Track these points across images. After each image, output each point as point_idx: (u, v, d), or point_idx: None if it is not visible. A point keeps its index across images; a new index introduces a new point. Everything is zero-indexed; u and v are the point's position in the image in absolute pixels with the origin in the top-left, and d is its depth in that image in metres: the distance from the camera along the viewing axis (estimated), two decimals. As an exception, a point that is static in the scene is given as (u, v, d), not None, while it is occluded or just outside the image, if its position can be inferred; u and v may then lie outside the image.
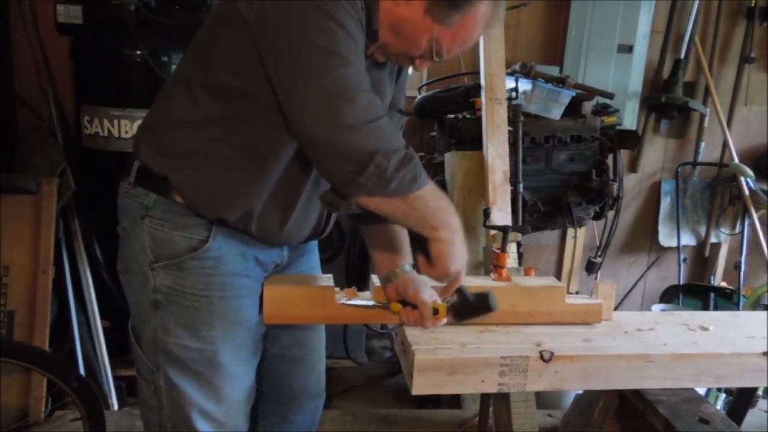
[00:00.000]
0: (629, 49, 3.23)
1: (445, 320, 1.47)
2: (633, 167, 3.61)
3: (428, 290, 1.45)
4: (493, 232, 2.41)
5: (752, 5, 3.39)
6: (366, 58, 1.33)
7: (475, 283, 1.64)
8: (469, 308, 1.47)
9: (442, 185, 2.75)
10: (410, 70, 1.50)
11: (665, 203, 3.68)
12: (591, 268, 3.15)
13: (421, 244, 1.32)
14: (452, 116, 2.82)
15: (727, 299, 3.37)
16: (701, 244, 3.73)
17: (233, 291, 1.41)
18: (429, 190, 1.27)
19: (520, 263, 2.52)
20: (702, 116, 3.51)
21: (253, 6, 1.21)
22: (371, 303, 1.52)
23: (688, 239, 3.69)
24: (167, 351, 1.41)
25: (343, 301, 1.52)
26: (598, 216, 2.95)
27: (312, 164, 1.35)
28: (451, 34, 1.29)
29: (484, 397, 2.05)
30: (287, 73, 1.21)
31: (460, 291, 1.45)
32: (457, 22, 1.27)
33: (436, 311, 1.43)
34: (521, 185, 2.64)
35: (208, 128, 1.32)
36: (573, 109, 2.81)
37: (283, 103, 1.23)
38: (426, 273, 1.37)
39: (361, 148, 1.18)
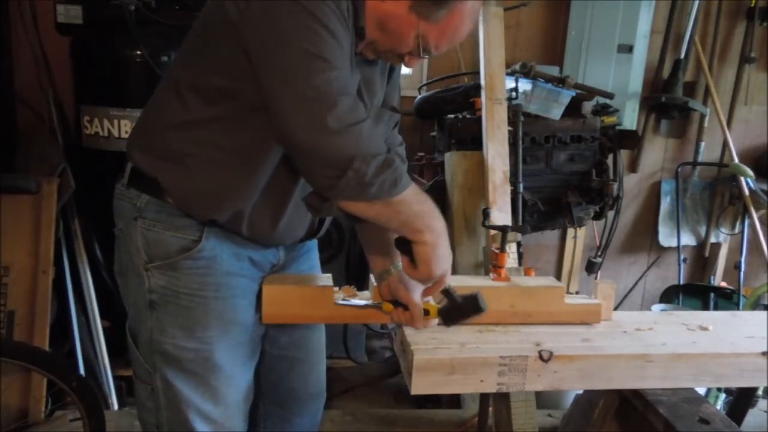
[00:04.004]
0: (629, 49, 3.23)
1: (436, 321, 1.47)
2: (633, 167, 3.61)
3: (420, 290, 1.44)
4: (492, 232, 2.41)
5: (752, 5, 3.39)
6: (356, 56, 1.33)
7: (474, 283, 1.64)
8: (458, 310, 1.44)
9: (442, 185, 2.75)
10: (404, 68, 1.50)
11: (665, 203, 3.68)
12: (591, 268, 3.15)
13: (404, 246, 1.31)
14: (452, 116, 2.83)
15: (727, 299, 3.37)
16: (701, 244, 3.73)
17: (228, 291, 1.41)
18: (412, 193, 1.25)
19: (519, 263, 2.52)
20: (702, 116, 3.51)
21: (239, 7, 1.21)
22: (364, 303, 1.52)
23: (688, 239, 3.69)
24: (163, 352, 1.41)
25: (340, 301, 1.52)
26: (598, 216, 2.95)
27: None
28: (438, 30, 1.27)
29: (484, 397, 2.05)
30: (270, 75, 1.20)
31: (447, 293, 1.43)
32: (443, 18, 1.26)
33: (427, 312, 1.43)
34: (521, 185, 2.64)
35: (197, 130, 1.32)
36: (573, 109, 2.82)
37: (267, 105, 1.23)
38: (409, 275, 1.35)
39: (340, 153, 1.17)
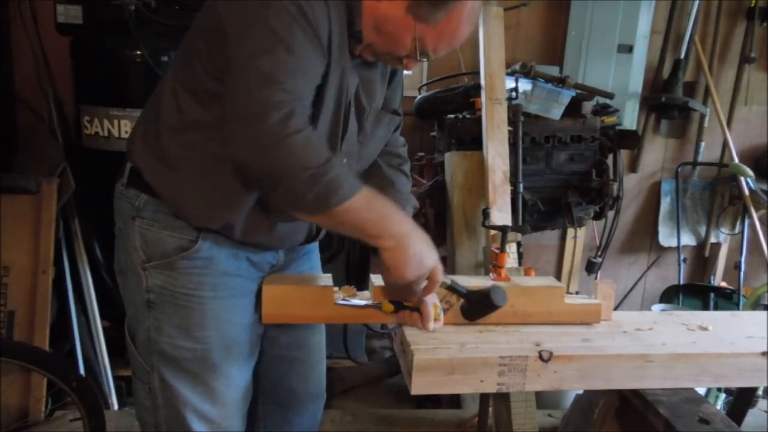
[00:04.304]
0: (629, 49, 3.23)
1: (441, 323, 1.47)
2: (633, 167, 3.61)
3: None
4: (492, 232, 2.41)
5: (752, 5, 3.39)
6: (354, 58, 1.33)
7: (474, 283, 1.64)
8: (472, 307, 1.46)
9: (442, 185, 2.75)
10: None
11: (665, 203, 3.68)
12: (591, 268, 3.15)
13: (376, 250, 1.31)
14: (452, 116, 2.82)
15: (727, 299, 3.37)
16: (701, 244, 3.73)
17: (225, 291, 1.41)
18: (359, 202, 1.23)
19: (519, 263, 2.52)
20: (702, 116, 3.51)
21: (226, 7, 1.23)
22: (364, 303, 1.52)
23: (688, 239, 3.69)
24: (161, 351, 1.41)
25: (340, 301, 1.52)
26: (598, 216, 2.95)
27: None
28: (436, 32, 1.26)
29: (484, 397, 2.05)
30: (226, 85, 1.23)
31: (452, 289, 1.44)
32: (441, 20, 1.24)
33: None
34: (521, 185, 2.64)
35: (189, 134, 1.32)
36: (573, 109, 2.82)
37: None
38: (385, 277, 1.36)
39: (268, 169, 1.19)
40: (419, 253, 1.29)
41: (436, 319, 1.45)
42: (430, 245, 1.33)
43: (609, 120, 2.88)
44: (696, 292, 3.48)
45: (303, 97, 1.22)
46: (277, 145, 1.17)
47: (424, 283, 1.36)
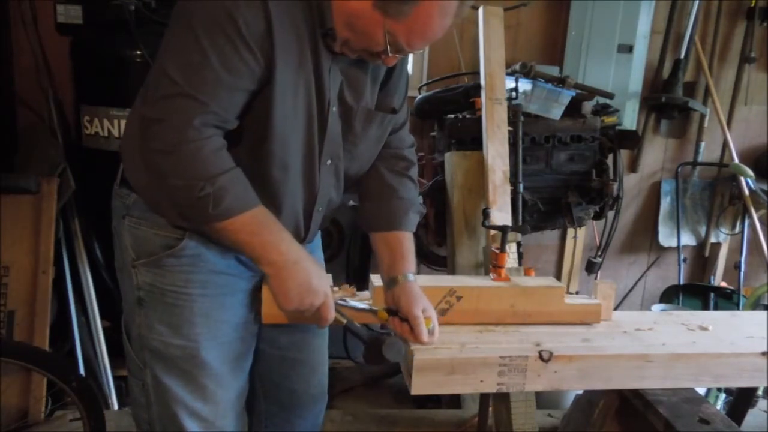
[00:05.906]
0: (629, 49, 3.23)
1: (436, 336, 1.46)
2: (633, 167, 3.61)
3: (421, 304, 1.44)
4: (492, 232, 2.41)
5: (752, 5, 3.39)
6: (338, 56, 1.32)
7: (474, 283, 1.65)
8: (369, 353, 1.40)
9: (442, 185, 2.75)
10: (410, 70, 1.48)
11: (665, 203, 3.68)
12: (591, 268, 3.15)
13: None
14: (452, 116, 2.82)
15: (727, 299, 3.37)
16: (701, 244, 3.73)
17: (215, 289, 1.41)
18: (240, 223, 1.25)
19: (519, 263, 2.52)
20: (702, 116, 3.51)
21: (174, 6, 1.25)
22: (361, 306, 1.51)
23: (688, 239, 3.69)
24: (152, 348, 1.42)
25: (338, 301, 1.52)
26: (598, 216, 2.95)
27: (264, 173, 1.33)
28: (406, 27, 1.23)
29: (484, 397, 2.05)
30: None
31: (349, 330, 1.41)
32: (408, 14, 1.21)
33: None
34: (521, 185, 2.64)
35: None
36: (573, 109, 2.82)
37: None
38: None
39: (160, 175, 1.23)
40: (300, 286, 1.31)
41: (430, 334, 1.44)
42: (320, 281, 1.34)
43: (609, 120, 2.88)
44: (696, 292, 3.48)
45: (211, 105, 1.21)
46: (167, 151, 1.20)
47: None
